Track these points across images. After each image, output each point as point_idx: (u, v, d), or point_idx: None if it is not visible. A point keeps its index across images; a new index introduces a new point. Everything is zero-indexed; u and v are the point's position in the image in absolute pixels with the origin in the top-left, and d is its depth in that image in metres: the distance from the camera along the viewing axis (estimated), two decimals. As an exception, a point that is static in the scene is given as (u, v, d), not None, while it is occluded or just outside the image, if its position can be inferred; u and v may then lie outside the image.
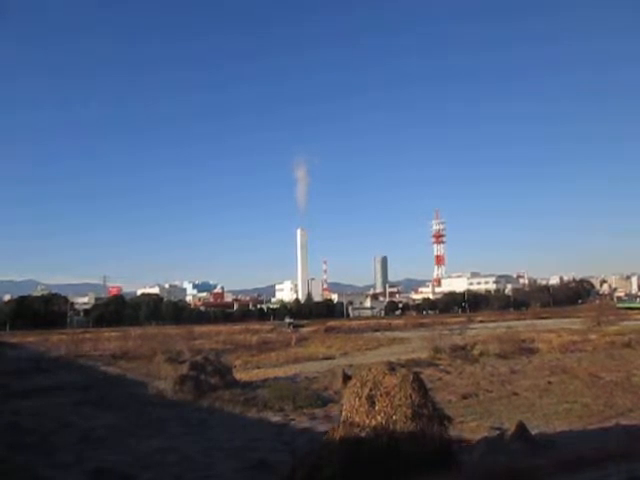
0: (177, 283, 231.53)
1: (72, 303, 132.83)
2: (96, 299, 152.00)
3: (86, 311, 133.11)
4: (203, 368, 27.51)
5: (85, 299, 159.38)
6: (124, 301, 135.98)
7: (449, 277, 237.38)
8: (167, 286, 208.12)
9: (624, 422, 16.90)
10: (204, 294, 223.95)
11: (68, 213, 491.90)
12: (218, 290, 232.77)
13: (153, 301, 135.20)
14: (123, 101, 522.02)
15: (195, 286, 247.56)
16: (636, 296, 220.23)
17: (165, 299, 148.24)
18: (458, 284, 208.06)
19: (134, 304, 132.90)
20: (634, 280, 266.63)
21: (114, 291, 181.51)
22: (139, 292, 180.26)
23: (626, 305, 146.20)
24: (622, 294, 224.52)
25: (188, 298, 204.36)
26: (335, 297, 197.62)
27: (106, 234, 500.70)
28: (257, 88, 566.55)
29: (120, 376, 34.06)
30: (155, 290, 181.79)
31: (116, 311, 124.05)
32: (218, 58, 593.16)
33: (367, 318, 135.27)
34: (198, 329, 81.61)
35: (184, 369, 27.39)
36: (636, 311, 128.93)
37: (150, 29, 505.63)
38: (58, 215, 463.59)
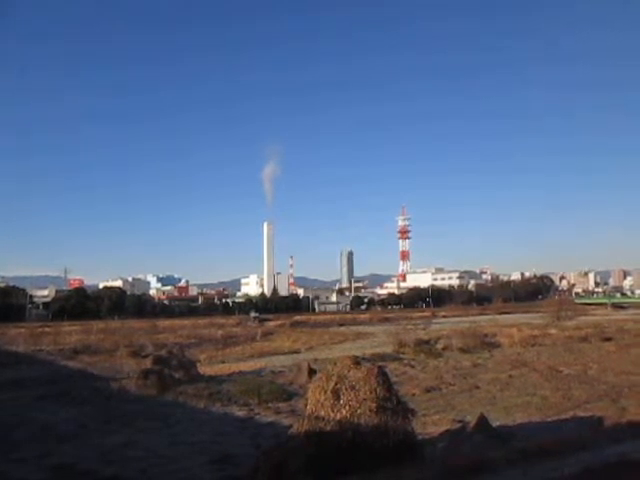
0: (141, 276, 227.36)
1: (31, 296, 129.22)
2: (56, 292, 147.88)
3: (46, 304, 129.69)
4: (167, 362, 27.29)
5: (45, 292, 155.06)
6: (86, 294, 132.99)
7: (414, 272, 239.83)
8: (130, 279, 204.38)
9: (581, 414, 17.47)
10: (168, 288, 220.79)
11: (27, 202, 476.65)
12: (183, 284, 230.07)
13: (116, 294, 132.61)
14: (94, 93, 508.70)
15: (159, 279, 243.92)
16: (593, 292, 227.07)
17: (128, 292, 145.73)
18: (423, 279, 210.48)
19: (96, 297, 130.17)
20: (591, 276, 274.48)
21: (75, 284, 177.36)
22: (101, 285, 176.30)
23: (584, 301, 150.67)
24: (580, 290, 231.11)
25: (152, 292, 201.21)
26: (301, 292, 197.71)
27: (68, 225, 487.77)
28: (222, 81, 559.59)
29: (82, 370, 33.46)
30: (118, 283, 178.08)
31: (77, 304, 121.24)
32: (181, 52, 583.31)
33: (333, 313, 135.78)
34: (162, 323, 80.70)
35: (148, 363, 27.15)
36: (593, 306, 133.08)
37: (109, 20, 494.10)
38: (16, 204, 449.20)
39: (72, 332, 63.43)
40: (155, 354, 29.59)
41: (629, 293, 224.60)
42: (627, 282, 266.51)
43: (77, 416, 18.99)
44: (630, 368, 28.35)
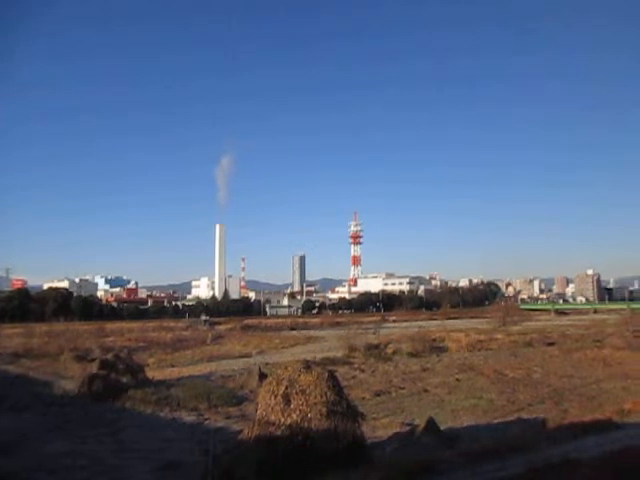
0: (88, 277, 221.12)
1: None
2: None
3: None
4: (114, 366, 26.61)
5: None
6: (29, 295, 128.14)
7: (365, 277, 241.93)
8: (77, 280, 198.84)
9: (525, 416, 18.00)
10: (117, 289, 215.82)
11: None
12: (131, 286, 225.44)
13: (61, 296, 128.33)
14: (51, 89, 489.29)
15: (107, 281, 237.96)
16: (538, 298, 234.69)
17: (75, 294, 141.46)
18: (374, 284, 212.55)
19: (40, 298, 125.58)
20: (536, 283, 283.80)
21: (18, 284, 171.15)
22: (46, 286, 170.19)
23: (529, 307, 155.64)
24: (525, 296, 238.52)
25: (99, 293, 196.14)
26: (252, 295, 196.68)
27: (10, 222, 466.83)
28: (176, 84, 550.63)
29: (23, 375, 32.22)
30: (64, 284, 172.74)
31: (20, 306, 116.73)
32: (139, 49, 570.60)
33: (284, 317, 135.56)
34: (109, 326, 78.77)
35: (93, 367, 26.37)
36: (538, 312, 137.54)
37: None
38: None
39: (13, 335, 61.01)
40: (101, 358, 28.75)
41: (571, 300, 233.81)
42: (569, 289, 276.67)
43: (16, 423, 18.27)
44: (572, 371, 29.43)
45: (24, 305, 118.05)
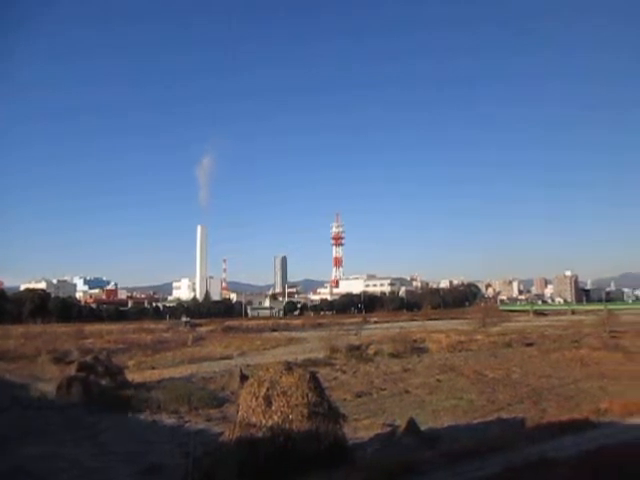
0: (67, 278, 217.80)
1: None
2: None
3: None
4: (93, 369, 26.33)
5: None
6: (5, 296, 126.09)
7: (347, 279, 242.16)
8: (55, 281, 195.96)
9: (505, 415, 18.20)
10: (96, 291, 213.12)
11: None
12: (111, 287, 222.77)
13: (39, 297, 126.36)
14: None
15: (86, 282, 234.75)
16: (517, 299, 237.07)
17: (53, 295, 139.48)
18: (355, 286, 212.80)
19: (16, 299, 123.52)
20: (515, 285, 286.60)
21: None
22: (23, 287, 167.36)
23: (508, 308, 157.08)
24: (505, 297, 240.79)
25: (78, 294, 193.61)
26: (234, 296, 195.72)
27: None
28: (158, 85, 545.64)
29: (-2, 378, 31.68)
30: (42, 285, 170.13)
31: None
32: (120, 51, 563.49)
33: (266, 318, 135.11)
34: (89, 328, 77.78)
35: (72, 370, 26.09)
36: (517, 313, 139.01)
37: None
38: None
39: (-11, 337, 60.04)
40: (80, 360, 28.46)
41: (550, 301, 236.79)
42: (548, 290, 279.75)
43: (-7, 426, 17.94)
44: (550, 372, 29.81)
45: (0, 306, 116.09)
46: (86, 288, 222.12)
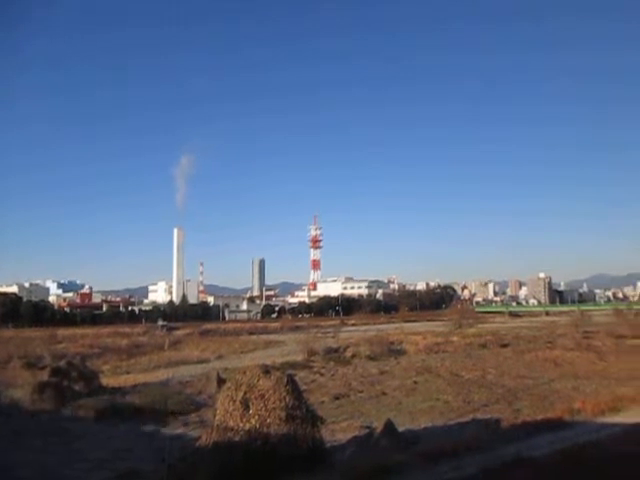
0: (39, 281, 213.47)
1: None
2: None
3: None
4: (66, 374, 25.95)
5: None
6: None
7: (325, 281, 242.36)
8: (27, 285, 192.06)
9: (480, 416, 18.38)
10: (70, 294, 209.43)
11: None
12: (85, 290, 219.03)
13: (10, 301, 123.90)
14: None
15: (60, 285, 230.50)
16: (492, 301, 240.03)
17: (25, 299, 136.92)
18: (333, 288, 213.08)
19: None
20: (491, 286, 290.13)
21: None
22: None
23: (484, 309, 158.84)
24: (480, 299, 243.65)
25: (51, 298, 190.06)
26: (211, 299, 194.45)
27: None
28: (139, 87, 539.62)
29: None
30: (13, 289, 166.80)
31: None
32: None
33: (243, 321, 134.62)
34: (62, 332, 76.35)
35: (44, 375, 25.65)
36: (492, 315, 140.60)
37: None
38: None
39: (-42, 342, 58.66)
40: (53, 365, 28.00)
41: (524, 302, 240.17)
42: (522, 292, 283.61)
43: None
44: (525, 372, 30.22)
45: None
46: (59, 292, 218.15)
